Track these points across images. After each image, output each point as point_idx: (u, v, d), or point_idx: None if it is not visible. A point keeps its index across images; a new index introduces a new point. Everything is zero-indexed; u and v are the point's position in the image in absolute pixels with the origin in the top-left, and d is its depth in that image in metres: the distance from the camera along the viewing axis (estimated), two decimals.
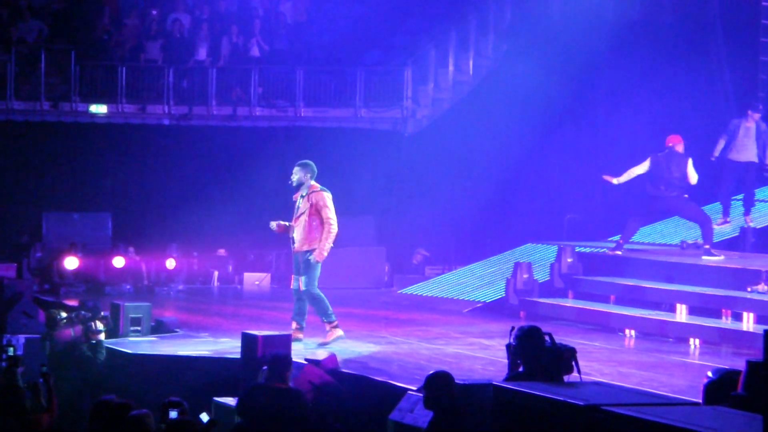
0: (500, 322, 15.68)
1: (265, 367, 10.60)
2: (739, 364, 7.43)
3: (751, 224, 18.37)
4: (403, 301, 19.07)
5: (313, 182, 13.74)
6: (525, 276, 17.65)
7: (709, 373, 7.91)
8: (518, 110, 22.74)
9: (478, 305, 18.13)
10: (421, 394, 8.87)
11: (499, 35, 24.17)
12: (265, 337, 12.18)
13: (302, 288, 13.70)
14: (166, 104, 23.25)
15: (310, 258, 13.61)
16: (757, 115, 18.25)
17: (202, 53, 24.13)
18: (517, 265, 17.90)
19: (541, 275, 17.92)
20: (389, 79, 23.66)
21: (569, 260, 17.80)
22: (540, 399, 7.27)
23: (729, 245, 18.57)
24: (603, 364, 12.71)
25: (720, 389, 7.55)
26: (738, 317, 14.98)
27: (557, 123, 23.08)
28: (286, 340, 12.39)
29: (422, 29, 24.27)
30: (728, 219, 18.48)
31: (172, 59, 23.69)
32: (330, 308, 13.69)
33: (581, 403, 6.96)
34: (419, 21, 24.39)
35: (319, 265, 13.67)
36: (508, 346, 8.40)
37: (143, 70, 23.46)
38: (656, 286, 16.31)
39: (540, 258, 18.72)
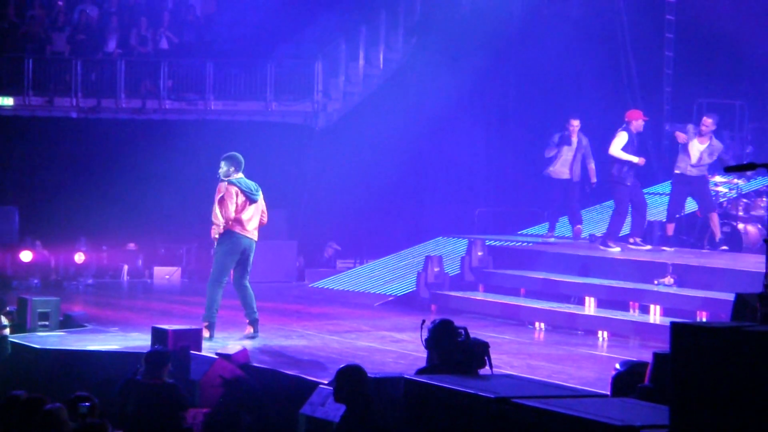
0: (411, 315, 15.71)
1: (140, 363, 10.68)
2: (647, 356, 7.53)
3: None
4: (314, 295, 19.06)
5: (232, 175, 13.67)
6: (436, 269, 17.72)
7: (617, 365, 8.01)
8: (429, 104, 22.83)
9: (390, 299, 18.17)
10: (332, 388, 8.87)
11: (409, 29, 24.23)
12: (175, 331, 12.12)
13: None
14: (74, 97, 22.98)
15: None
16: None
17: (111, 45, 23.88)
18: (428, 258, 17.96)
19: (452, 269, 18.00)
20: (300, 73, 23.59)
21: (480, 254, 17.91)
22: (450, 392, 7.30)
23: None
24: (513, 357, 12.81)
25: (627, 381, 7.65)
26: (645, 310, 15.18)
27: (468, 116, 23.21)
28: (195, 335, 12.34)
29: (333, 22, 24.24)
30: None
31: (80, 51, 23.41)
32: (215, 310, 13.61)
33: (491, 396, 7.00)
34: (329, 14, 24.36)
35: (220, 256, 13.63)
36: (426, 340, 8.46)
37: (50, 61, 23.16)
38: (565, 279, 16.47)
39: (451, 251, 18.81)
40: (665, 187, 19.03)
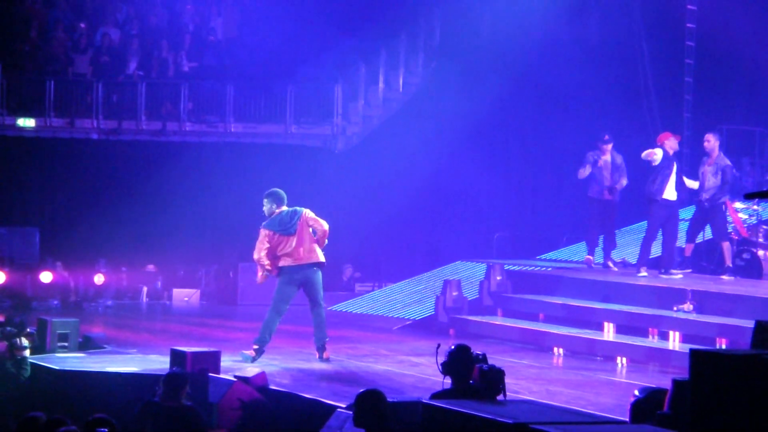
0: (430, 339, 15.70)
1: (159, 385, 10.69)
2: (665, 383, 7.52)
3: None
4: (332, 318, 19.00)
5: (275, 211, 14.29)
6: (454, 293, 17.71)
7: (636, 392, 7.99)
8: (448, 127, 22.86)
9: (408, 323, 18.16)
10: (350, 412, 8.87)
11: (429, 53, 24.29)
12: (194, 354, 12.14)
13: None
14: (95, 118, 23.08)
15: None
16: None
17: (131, 67, 24.00)
18: (446, 282, 17.96)
19: (471, 293, 17.99)
20: (320, 96, 23.66)
21: (498, 278, 17.90)
22: (469, 417, 7.29)
23: (655, 264, 18.78)
24: (532, 382, 12.78)
25: (646, 408, 7.63)
26: (664, 336, 15.14)
27: (487, 140, 23.24)
28: (214, 357, 12.36)
29: (352, 46, 24.31)
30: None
31: (102, 73, 23.53)
32: (267, 334, 14.03)
33: (510, 421, 7.00)
34: (349, 38, 24.43)
35: (278, 286, 14.25)
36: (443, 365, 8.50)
37: (72, 83, 23.28)
38: (584, 305, 16.44)
39: (469, 276, 18.80)
40: (685, 212, 19.01)
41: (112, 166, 23.21)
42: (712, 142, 17.01)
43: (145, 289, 22.08)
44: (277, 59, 24.32)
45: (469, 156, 22.76)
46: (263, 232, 14.18)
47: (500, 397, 8.29)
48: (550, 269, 18.49)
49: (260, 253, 14.07)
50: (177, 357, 12.18)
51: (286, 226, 14.13)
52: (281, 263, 14.12)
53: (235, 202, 21.83)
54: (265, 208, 14.30)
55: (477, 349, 8.78)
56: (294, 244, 14.11)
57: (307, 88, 23.77)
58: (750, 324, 7.27)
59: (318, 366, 13.78)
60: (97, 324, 17.95)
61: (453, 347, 8.64)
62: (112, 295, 21.65)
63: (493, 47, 22.87)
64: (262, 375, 12.02)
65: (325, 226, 14.24)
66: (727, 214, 17.52)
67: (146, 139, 23.36)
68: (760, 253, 17.58)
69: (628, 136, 20.23)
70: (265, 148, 23.33)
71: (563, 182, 22.67)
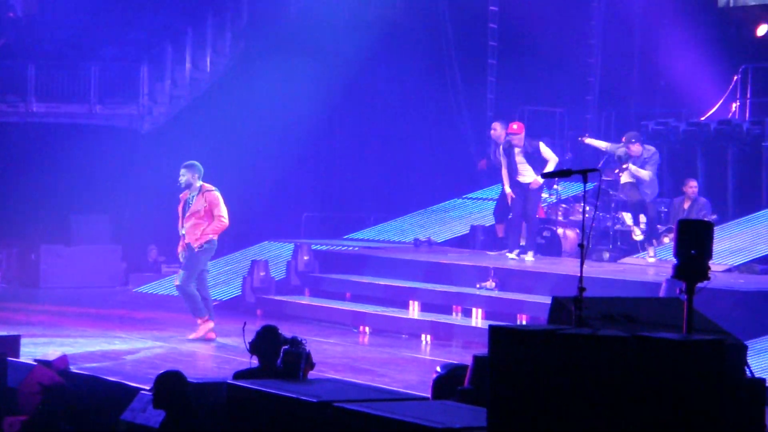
0: (237, 320, 15.46)
1: None
2: (468, 359, 7.64)
3: None
4: (138, 300, 18.83)
5: (201, 182, 14.59)
6: (262, 274, 17.70)
7: (438, 368, 8.11)
8: (257, 109, 22.75)
9: (215, 303, 18.01)
10: (152, 394, 8.80)
11: (237, 33, 24.13)
12: None
13: (177, 282, 14.48)
14: None
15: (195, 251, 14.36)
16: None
17: None
18: (254, 262, 17.93)
19: (278, 273, 18.00)
20: (125, 76, 23.26)
21: (306, 258, 17.95)
22: (273, 397, 7.31)
23: (459, 243, 19.10)
24: (337, 361, 12.87)
25: (448, 384, 7.75)
26: (468, 313, 15.40)
27: (295, 121, 23.21)
28: (12, 341, 12.09)
29: (159, 25, 23.99)
30: None
31: None
32: (201, 305, 14.29)
33: (313, 400, 7.04)
34: (155, 17, 24.11)
35: (201, 262, 14.38)
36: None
37: None
38: (390, 283, 16.61)
39: (277, 256, 18.79)
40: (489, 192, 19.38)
41: None
42: (498, 130, 17.44)
43: None
44: (80, 38, 23.84)
45: (277, 136, 22.71)
46: (219, 195, 14.45)
47: (311, 373, 8.34)
48: (357, 249, 18.62)
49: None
50: None
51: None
52: (214, 236, 14.38)
53: (38, 183, 21.35)
54: (183, 179, 14.61)
55: (284, 330, 8.79)
56: (225, 218, 14.49)
57: (112, 67, 23.34)
58: (548, 300, 7.45)
59: (123, 348, 13.62)
60: None
61: (261, 327, 8.65)
62: None
63: (302, 27, 22.86)
64: (63, 358, 11.78)
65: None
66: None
67: None
68: (560, 231, 18.01)
69: (435, 118, 20.49)
70: (69, 129, 22.85)
71: (370, 162, 22.86)
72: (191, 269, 14.41)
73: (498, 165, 17.35)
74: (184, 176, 14.65)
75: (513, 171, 16.97)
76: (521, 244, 17.15)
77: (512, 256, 16.90)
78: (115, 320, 16.23)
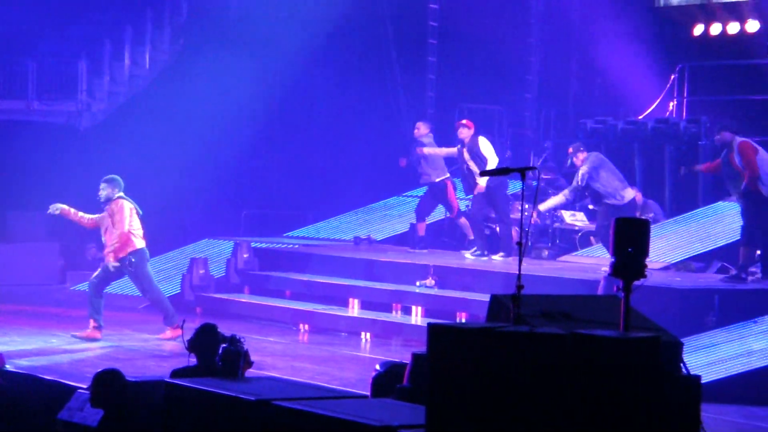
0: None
1: None
2: (407, 357, 7.66)
3: None
4: (76, 298, 18.67)
5: (121, 194, 14.36)
6: (201, 271, 17.64)
7: (377, 366, 8.13)
8: (196, 106, 22.64)
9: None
10: (89, 393, 8.75)
11: (176, 29, 24.01)
12: None
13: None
14: None
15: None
16: None
17: None
18: (193, 260, 17.87)
19: (218, 271, 17.94)
20: (63, 72, 23.07)
21: (245, 256, 17.91)
22: (211, 395, 7.29)
23: (399, 240, 19.13)
24: (277, 359, 12.86)
25: (387, 381, 7.76)
26: (407, 311, 15.43)
27: (234, 118, 23.13)
28: None
29: (97, 21, 23.82)
30: None
31: None
32: (172, 308, 14.39)
33: (252, 398, 7.03)
34: (94, 13, 23.93)
35: (144, 264, 14.40)
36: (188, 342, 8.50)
37: None
38: (330, 281, 16.61)
39: (216, 253, 18.72)
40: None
41: None
42: (422, 129, 17.52)
43: None
44: (16, 33, 23.60)
45: (216, 133, 22.62)
46: (127, 205, 14.11)
47: (250, 371, 8.34)
48: (297, 246, 18.60)
49: (127, 225, 13.99)
50: None
51: (137, 208, 14.23)
52: (139, 245, 14.17)
53: None
54: (103, 193, 14.21)
55: (223, 328, 8.78)
56: (139, 224, 14.25)
57: (50, 63, 23.15)
58: (487, 298, 7.48)
59: (59, 346, 13.54)
60: None
61: (199, 325, 8.65)
62: None
63: (242, 24, 22.80)
64: None
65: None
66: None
67: None
68: (499, 229, 18.08)
69: (375, 116, 20.50)
70: (6, 125, 22.63)
71: (310, 160, 22.83)
72: (141, 281, 14.39)
73: (416, 163, 17.58)
74: (104, 190, 14.35)
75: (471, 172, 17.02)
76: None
77: (469, 255, 16.91)
78: (52, 318, 16.11)
